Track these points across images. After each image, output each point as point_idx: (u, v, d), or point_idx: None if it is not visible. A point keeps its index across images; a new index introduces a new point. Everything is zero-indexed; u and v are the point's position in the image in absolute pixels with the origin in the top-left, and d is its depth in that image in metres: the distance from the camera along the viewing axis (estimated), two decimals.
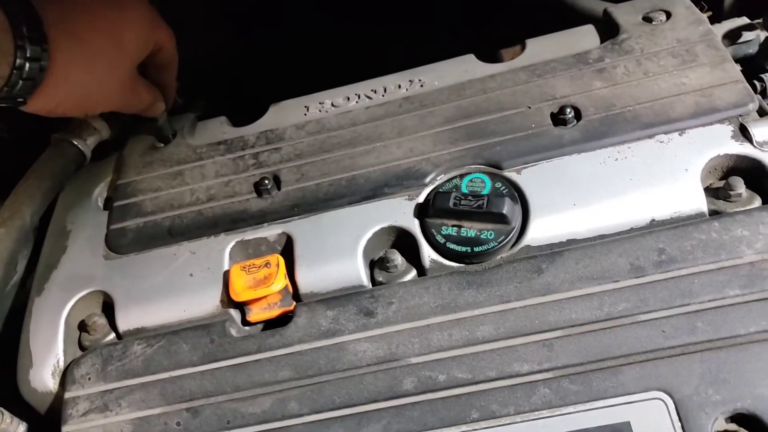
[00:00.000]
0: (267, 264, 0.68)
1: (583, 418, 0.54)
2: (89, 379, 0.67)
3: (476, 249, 0.65)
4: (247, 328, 0.70)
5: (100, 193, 0.85)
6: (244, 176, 0.78)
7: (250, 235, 0.73)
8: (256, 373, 0.63)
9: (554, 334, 0.58)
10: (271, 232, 0.73)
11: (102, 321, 0.72)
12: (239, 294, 0.67)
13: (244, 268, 0.68)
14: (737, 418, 0.53)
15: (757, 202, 0.64)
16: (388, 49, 1.08)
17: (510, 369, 0.58)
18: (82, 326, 0.73)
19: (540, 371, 0.57)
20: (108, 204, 0.83)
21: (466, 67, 0.82)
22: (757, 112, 0.68)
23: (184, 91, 0.94)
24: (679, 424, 0.52)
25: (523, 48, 0.82)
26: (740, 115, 0.67)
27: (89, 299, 0.74)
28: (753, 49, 0.75)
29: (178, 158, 0.83)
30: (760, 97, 0.70)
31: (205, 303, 0.70)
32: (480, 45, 0.87)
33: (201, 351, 0.66)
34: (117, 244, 0.77)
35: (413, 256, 0.68)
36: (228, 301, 0.69)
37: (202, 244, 0.74)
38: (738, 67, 0.71)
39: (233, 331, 0.67)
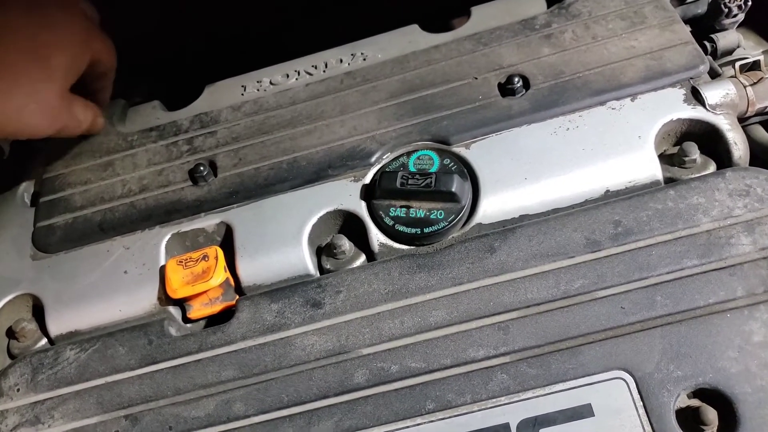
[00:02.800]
0: (205, 257, 0.64)
1: (542, 403, 0.52)
2: (18, 390, 0.62)
3: (426, 230, 0.62)
4: (188, 325, 0.66)
5: (26, 188, 0.79)
6: (178, 164, 0.73)
7: (187, 226, 0.69)
8: (198, 374, 0.59)
9: (510, 316, 0.56)
10: (208, 222, 0.68)
11: (32, 326, 0.67)
12: (176, 291, 0.62)
13: (181, 262, 0.64)
14: (699, 393, 0.51)
15: (712, 167, 0.62)
16: (330, 21, 1.04)
17: (465, 355, 0.55)
18: (10, 333, 0.67)
19: (496, 356, 0.54)
20: (35, 200, 0.77)
21: (410, 38, 0.78)
22: (709, 73, 0.66)
23: (123, 76, 0.88)
24: (641, 403, 0.50)
25: (469, 16, 0.78)
26: (692, 78, 0.65)
27: (17, 303, 0.69)
28: (702, 9, 0.73)
29: (108, 148, 0.78)
30: (710, 58, 0.68)
31: (141, 301, 0.66)
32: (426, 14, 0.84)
33: (139, 353, 0.62)
34: (45, 242, 0.72)
35: (362, 241, 0.65)
36: (166, 298, 0.64)
37: (136, 238, 0.70)
38: (687, 28, 0.69)
39: (172, 330, 0.63)
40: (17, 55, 0.65)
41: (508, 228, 0.60)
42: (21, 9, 0.66)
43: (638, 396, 0.51)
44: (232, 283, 0.65)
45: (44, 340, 0.67)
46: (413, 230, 0.62)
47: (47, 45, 0.66)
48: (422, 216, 0.63)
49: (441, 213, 0.62)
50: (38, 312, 0.68)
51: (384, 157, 0.68)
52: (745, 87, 0.65)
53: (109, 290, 0.67)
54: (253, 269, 0.64)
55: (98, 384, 0.61)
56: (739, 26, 0.72)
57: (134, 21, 0.97)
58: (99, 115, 0.77)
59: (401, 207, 0.64)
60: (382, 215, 0.64)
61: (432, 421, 0.53)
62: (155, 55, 1.06)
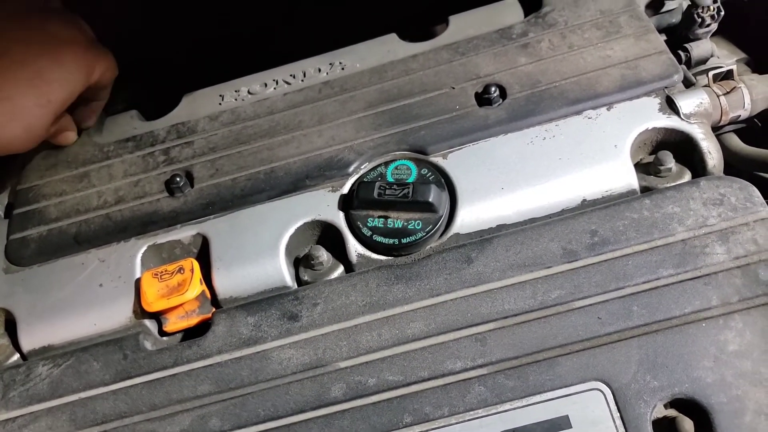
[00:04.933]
0: (180, 269, 0.63)
1: (520, 415, 0.52)
2: None
3: (404, 240, 0.62)
4: (164, 339, 0.65)
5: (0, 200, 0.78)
6: (154, 174, 0.72)
7: (163, 238, 0.68)
8: (173, 389, 0.58)
9: (487, 327, 0.56)
10: (185, 233, 0.68)
11: (3, 341, 0.66)
12: (151, 304, 0.62)
13: (156, 275, 0.63)
14: (676, 403, 0.51)
15: (687, 176, 0.62)
16: (310, 29, 1.03)
17: (443, 367, 0.55)
18: None
19: (474, 368, 0.54)
20: (8, 211, 0.76)
21: (389, 48, 0.78)
22: (683, 83, 0.66)
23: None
24: (618, 414, 0.50)
25: (447, 24, 0.78)
26: (666, 87, 0.65)
27: None
28: (676, 19, 0.73)
29: (84, 158, 0.77)
30: (684, 67, 0.68)
31: (116, 315, 0.65)
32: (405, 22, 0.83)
33: (113, 368, 0.61)
34: (18, 255, 0.70)
35: (340, 252, 0.65)
36: (141, 311, 0.63)
37: (112, 250, 0.69)
38: (662, 38, 0.69)
39: (148, 344, 0.62)
40: (16, 88, 0.65)
41: (485, 238, 0.60)
42: (27, 40, 0.66)
43: (615, 407, 0.51)
44: (209, 295, 0.64)
45: (16, 356, 0.66)
46: (391, 241, 0.62)
47: (50, 82, 0.66)
48: (400, 226, 0.62)
49: (419, 223, 0.62)
50: (11, 326, 0.67)
51: (362, 167, 0.68)
52: (718, 96, 0.65)
53: (83, 304, 0.66)
54: (229, 281, 0.64)
55: (71, 400, 0.60)
56: (712, 36, 0.72)
57: (115, 27, 0.96)
58: (73, 129, 0.77)
59: (379, 217, 0.63)
60: (360, 226, 0.63)
61: None
62: (135, 60, 1.05)
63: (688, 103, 0.63)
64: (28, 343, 0.65)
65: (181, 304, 0.62)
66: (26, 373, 0.62)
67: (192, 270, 0.63)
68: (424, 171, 0.65)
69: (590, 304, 0.55)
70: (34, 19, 0.68)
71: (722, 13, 0.69)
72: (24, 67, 0.65)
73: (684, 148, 0.63)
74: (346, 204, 0.66)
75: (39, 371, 0.62)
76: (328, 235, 0.66)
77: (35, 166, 0.77)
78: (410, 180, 0.65)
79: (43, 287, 0.68)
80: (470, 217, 0.62)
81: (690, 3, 0.70)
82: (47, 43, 0.67)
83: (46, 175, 0.76)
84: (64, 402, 0.60)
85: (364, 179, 0.66)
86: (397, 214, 0.63)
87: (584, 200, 0.61)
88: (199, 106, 0.79)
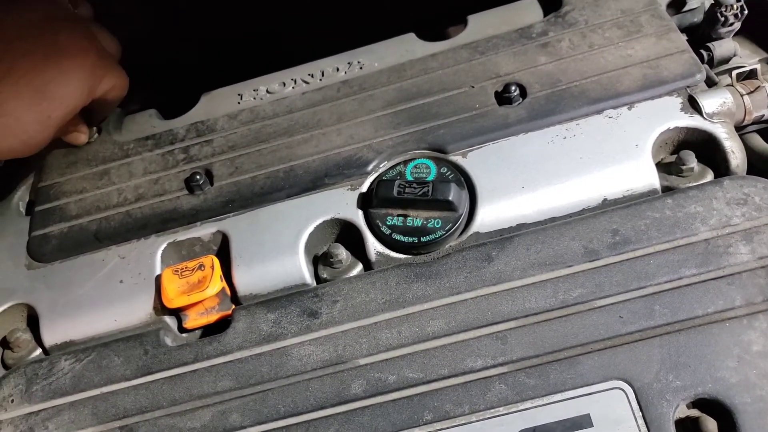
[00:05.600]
0: (200, 266, 0.63)
1: (540, 413, 0.52)
2: (12, 401, 0.61)
3: (423, 239, 0.62)
4: (184, 335, 0.65)
5: (21, 197, 0.79)
6: (174, 172, 0.73)
7: (183, 235, 0.68)
8: (194, 384, 0.59)
9: (508, 326, 0.55)
10: (204, 231, 0.68)
11: (26, 336, 0.67)
12: (172, 300, 0.62)
13: (177, 271, 0.64)
14: (698, 403, 0.50)
15: (710, 175, 0.62)
16: (327, 30, 1.03)
17: (463, 365, 0.55)
18: (5, 343, 0.67)
19: (494, 366, 0.54)
20: (30, 209, 0.77)
21: (407, 47, 0.78)
22: (705, 82, 0.66)
23: None
24: (640, 413, 0.50)
25: (465, 24, 0.78)
26: (688, 86, 0.65)
27: (11, 313, 0.69)
28: (698, 18, 0.73)
29: (104, 156, 0.77)
30: (707, 66, 0.68)
31: (137, 311, 0.65)
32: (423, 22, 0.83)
33: (134, 363, 0.61)
34: (40, 252, 0.71)
35: (359, 250, 0.65)
36: (162, 308, 0.64)
37: (132, 247, 0.69)
38: (684, 37, 0.69)
39: (168, 340, 0.62)
40: (18, 104, 0.64)
41: (505, 237, 0.60)
42: (33, 52, 0.66)
43: (637, 406, 0.50)
44: (229, 292, 0.64)
45: (39, 351, 0.67)
46: (410, 239, 0.62)
47: (53, 99, 0.66)
48: (419, 225, 0.62)
49: (438, 222, 0.62)
50: (33, 322, 0.68)
51: (381, 165, 0.68)
52: (742, 96, 0.65)
53: (104, 300, 0.66)
54: (249, 278, 0.64)
55: (93, 395, 0.60)
56: (735, 35, 0.71)
57: (129, 28, 0.97)
58: (83, 130, 0.78)
59: (398, 216, 0.63)
60: (379, 224, 0.63)
61: None
62: (151, 62, 1.06)
63: (710, 102, 0.63)
64: (50, 338, 0.66)
65: (201, 301, 0.62)
66: (48, 367, 0.62)
67: (212, 267, 0.63)
68: (444, 170, 0.65)
69: (612, 303, 0.54)
70: (45, 29, 0.67)
71: (746, 11, 0.68)
72: (28, 83, 0.64)
73: (706, 148, 0.63)
74: (365, 202, 0.66)
75: (61, 366, 0.62)
76: (347, 234, 0.66)
77: (56, 164, 0.78)
78: (429, 179, 0.65)
79: (64, 283, 0.68)
80: (490, 215, 0.62)
81: (713, 2, 0.69)
82: (53, 57, 0.66)
83: (66, 173, 0.77)
84: (86, 396, 0.60)
85: (384, 178, 0.66)
86: (416, 212, 0.63)
87: (605, 199, 0.61)
88: (217, 105, 0.80)
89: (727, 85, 0.66)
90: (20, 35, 0.65)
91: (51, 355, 0.64)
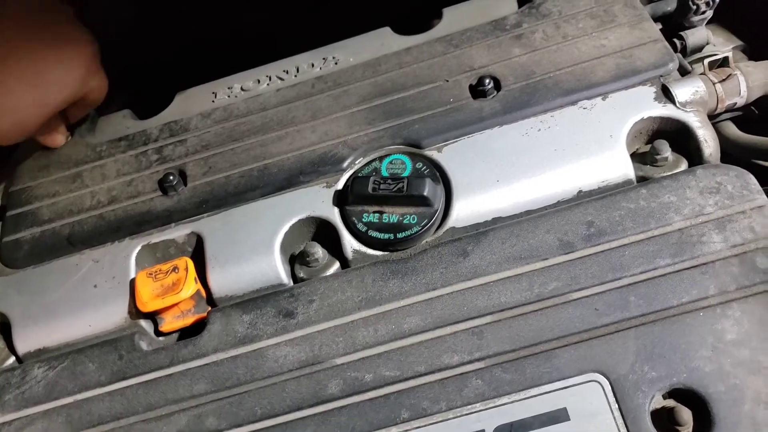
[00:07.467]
0: (175, 269, 0.62)
1: (518, 408, 0.51)
2: None
3: (399, 235, 0.61)
4: (161, 339, 0.65)
5: None
6: (147, 173, 0.72)
7: (157, 237, 0.68)
8: (169, 388, 0.58)
9: (484, 321, 0.55)
10: (179, 232, 0.67)
11: None
12: (146, 304, 0.61)
13: (151, 274, 0.63)
14: (674, 393, 0.50)
15: (684, 165, 0.62)
16: (303, 25, 1.02)
17: (439, 362, 0.54)
18: None
19: (471, 362, 0.54)
20: (1, 214, 0.76)
21: (382, 41, 0.77)
22: (678, 71, 0.66)
23: None
24: (617, 405, 0.50)
25: (440, 17, 0.78)
26: (661, 76, 0.65)
27: None
28: (671, 7, 0.72)
29: (77, 159, 0.76)
30: (680, 55, 0.68)
31: (112, 316, 0.64)
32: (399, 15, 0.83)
33: (109, 369, 0.60)
34: (11, 257, 0.70)
35: (335, 248, 0.64)
36: (136, 312, 0.63)
37: (106, 251, 0.68)
38: (657, 26, 0.69)
39: (143, 345, 0.61)
40: (18, 84, 0.65)
41: (481, 231, 0.60)
42: (35, 38, 0.66)
43: (613, 398, 0.50)
44: (204, 294, 0.63)
45: (12, 359, 0.66)
46: (386, 236, 0.62)
47: (51, 83, 0.67)
48: (395, 221, 0.62)
49: (414, 218, 0.61)
50: (5, 329, 0.67)
51: (356, 162, 0.68)
52: (714, 84, 0.65)
53: (78, 305, 0.65)
54: (224, 280, 0.63)
55: (67, 402, 0.59)
56: (707, 23, 0.72)
57: (107, 28, 0.95)
58: (63, 132, 0.77)
59: (374, 212, 0.63)
60: (355, 221, 0.63)
61: (407, 430, 0.52)
62: (129, 62, 1.04)
63: (683, 91, 0.63)
64: (23, 345, 0.65)
65: (176, 304, 0.62)
66: (21, 375, 0.62)
67: (186, 269, 0.62)
68: (419, 165, 0.65)
69: (587, 296, 0.54)
70: (45, 17, 0.68)
71: (717, 0, 0.68)
72: (29, 65, 0.65)
73: (680, 137, 0.62)
74: (340, 200, 0.65)
75: (34, 374, 0.61)
76: (323, 232, 0.66)
77: (27, 168, 0.77)
78: (405, 174, 0.64)
79: (37, 289, 0.67)
80: (466, 210, 0.62)
81: None
82: (55, 43, 0.67)
83: (38, 177, 0.76)
84: (60, 404, 0.59)
85: (359, 174, 0.65)
86: (392, 208, 0.63)
87: (580, 191, 0.61)
88: (191, 103, 0.79)
89: (700, 74, 0.66)
90: (24, 18, 0.66)
91: (24, 363, 0.63)
